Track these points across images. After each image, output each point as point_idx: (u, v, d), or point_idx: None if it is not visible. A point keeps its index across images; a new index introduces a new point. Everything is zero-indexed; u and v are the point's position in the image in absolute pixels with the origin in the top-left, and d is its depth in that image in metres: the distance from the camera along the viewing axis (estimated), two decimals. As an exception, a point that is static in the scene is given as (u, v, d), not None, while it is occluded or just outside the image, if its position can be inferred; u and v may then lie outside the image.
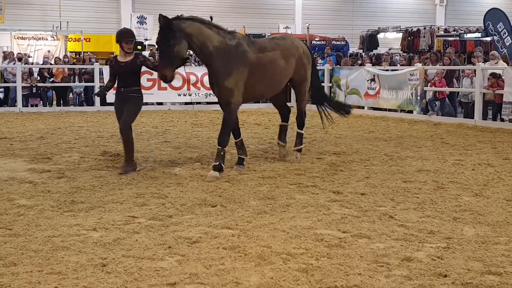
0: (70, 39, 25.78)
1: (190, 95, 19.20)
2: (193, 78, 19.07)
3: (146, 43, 26.02)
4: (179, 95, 19.28)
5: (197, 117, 14.44)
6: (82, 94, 19.97)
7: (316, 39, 28.61)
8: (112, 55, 9.72)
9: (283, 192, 7.08)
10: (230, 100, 8.23)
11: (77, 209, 6.26)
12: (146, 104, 18.98)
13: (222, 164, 8.05)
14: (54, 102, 19.96)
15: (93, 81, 19.09)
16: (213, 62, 8.12)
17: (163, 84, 18.94)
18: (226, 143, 8.17)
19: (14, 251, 4.81)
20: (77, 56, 24.07)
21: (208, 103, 19.44)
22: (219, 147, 8.09)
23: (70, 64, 20.30)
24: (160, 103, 19.58)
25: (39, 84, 19.04)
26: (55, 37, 25.10)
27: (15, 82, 18.48)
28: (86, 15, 28.13)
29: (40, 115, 17.34)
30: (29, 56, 21.11)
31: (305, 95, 9.56)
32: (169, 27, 7.65)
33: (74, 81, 19.54)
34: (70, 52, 25.01)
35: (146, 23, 24.96)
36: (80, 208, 6.28)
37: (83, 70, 19.63)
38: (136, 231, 5.45)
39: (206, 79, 19.28)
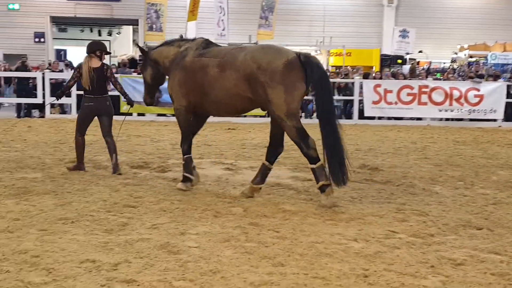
0: (332, 54, 26.69)
1: (452, 110, 18.52)
2: (456, 93, 18.37)
3: (407, 57, 25.75)
4: (440, 110, 18.67)
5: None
6: (341, 107, 20.47)
7: None
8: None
9: (561, 221, 6.38)
10: (174, 106, 7.89)
11: (338, 218, 6.39)
12: (401, 119, 18.79)
13: (188, 175, 7.69)
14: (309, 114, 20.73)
15: (352, 95, 19.51)
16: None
17: (423, 99, 18.61)
18: (184, 152, 7.74)
19: (282, 252, 5.08)
20: (337, 70, 24.81)
21: (471, 120, 18.56)
22: (183, 156, 7.79)
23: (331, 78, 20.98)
24: (419, 118, 19.19)
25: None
26: (319, 52, 26.18)
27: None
28: (349, 30, 28.84)
29: (302, 126, 18.15)
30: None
31: (281, 121, 6.97)
32: (144, 57, 8.46)
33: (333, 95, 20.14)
34: (331, 66, 25.87)
35: (408, 37, 24.70)
36: (341, 218, 6.40)
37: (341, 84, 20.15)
38: (396, 246, 5.37)
39: (470, 94, 18.48)
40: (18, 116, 18.28)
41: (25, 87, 18.65)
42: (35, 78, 18.32)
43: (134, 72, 19.15)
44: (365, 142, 14.01)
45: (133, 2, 27.22)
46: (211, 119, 18.75)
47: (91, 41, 9.36)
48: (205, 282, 4.32)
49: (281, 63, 6.99)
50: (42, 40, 27.57)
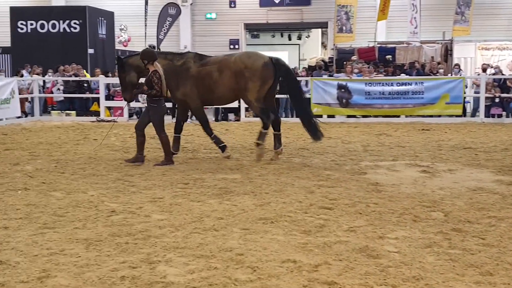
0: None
1: None
2: None
3: None
4: None
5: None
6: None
7: None
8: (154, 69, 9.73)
9: None
10: (190, 106, 10.77)
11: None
12: None
13: (219, 143, 10.66)
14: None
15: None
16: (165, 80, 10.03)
17: None
18: (210, 134, 10.69)
19: (489, 261, 4.77)
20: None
21: None
22: (210, 137, 10.75)
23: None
24: None
25: (501, 95, 18.63)
26: (520, 46, 24.29)
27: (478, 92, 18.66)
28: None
29: (503, 126, 17.00)
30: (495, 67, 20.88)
31: (251, 104, 10.45)
32: (122, 64, 10.52)
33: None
34: (535, 61, 23.80)
35: None
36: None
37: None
38: None
39: None
40: (216, 120, 19.37)
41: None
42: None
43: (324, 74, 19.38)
44: None
45: (323, 5, 27.43)
46: (402, 119, 18.35)
47: (147, 48, 10.19)
48: (408, 288, 4.18)
49: (260, 64, 10.18)
50: (236, 46, 28.92)
